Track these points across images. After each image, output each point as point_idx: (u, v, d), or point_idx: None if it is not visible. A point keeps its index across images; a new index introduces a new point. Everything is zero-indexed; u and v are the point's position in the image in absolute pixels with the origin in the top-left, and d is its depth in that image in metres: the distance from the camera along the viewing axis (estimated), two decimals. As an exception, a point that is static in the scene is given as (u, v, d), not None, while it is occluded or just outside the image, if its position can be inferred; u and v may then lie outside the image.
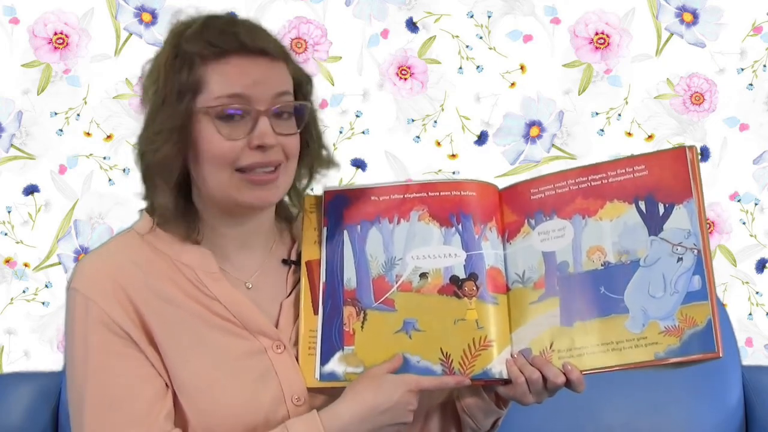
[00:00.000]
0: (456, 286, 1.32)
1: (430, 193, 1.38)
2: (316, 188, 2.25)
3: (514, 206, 1.37)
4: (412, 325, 1.32)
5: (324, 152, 1.40)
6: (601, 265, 1.30)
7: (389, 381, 1.29)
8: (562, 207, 1.34)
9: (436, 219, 1.36)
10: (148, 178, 1.32)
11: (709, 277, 1.25)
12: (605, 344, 1.27)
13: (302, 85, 1.35)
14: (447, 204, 1.36)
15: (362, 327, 1.34)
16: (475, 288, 1.31)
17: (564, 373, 1.27)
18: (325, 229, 1.38)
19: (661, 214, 1.29)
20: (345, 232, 1.38)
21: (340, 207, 1.39)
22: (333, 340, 1.34)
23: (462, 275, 1.33)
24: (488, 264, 1.33)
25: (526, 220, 1.35)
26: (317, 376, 1.33)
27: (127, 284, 1.28)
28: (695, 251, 1.27)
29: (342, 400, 1.28)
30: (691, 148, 1.30)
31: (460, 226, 1.35)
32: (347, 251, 1.37)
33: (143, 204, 1.37)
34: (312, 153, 1.38)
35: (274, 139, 1.27)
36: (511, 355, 1.30)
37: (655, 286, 1.27)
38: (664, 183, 1.30)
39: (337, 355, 1.34)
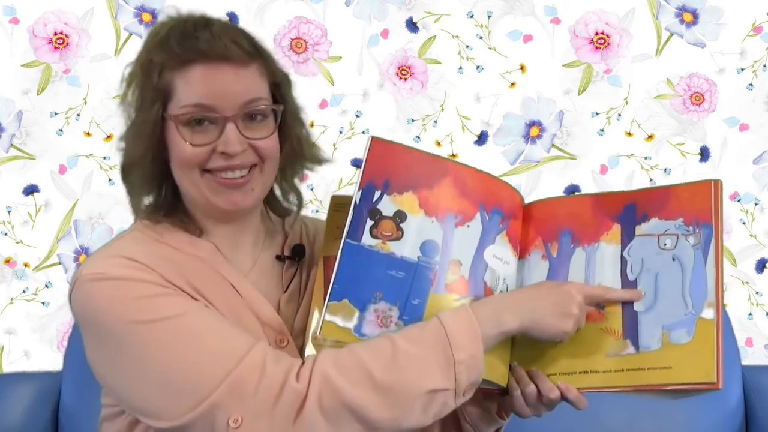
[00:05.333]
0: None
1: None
2: (316, 185, 2.25)
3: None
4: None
5: (309, 150, 1.40)
6: None
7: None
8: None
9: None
10: (126, 177, 1.35)
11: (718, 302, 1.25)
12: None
13: (280, 85, 1.34)
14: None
15: None
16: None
17: (561, 391, 1.26)
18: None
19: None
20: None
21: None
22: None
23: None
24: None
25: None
26: (318, 330, 1.26)
27: (149, 263, 1.27)
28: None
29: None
30: (717, 182, 1.30)
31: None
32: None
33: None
34: (291, 152, 1.37)
35: (239, 146, 1.28)
36: (511, 367, 1.29)
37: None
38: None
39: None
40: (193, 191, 1.31)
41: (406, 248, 1.27)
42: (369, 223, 1.28)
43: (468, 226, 1.30)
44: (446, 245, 1.29)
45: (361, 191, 1.29)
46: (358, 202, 1.28)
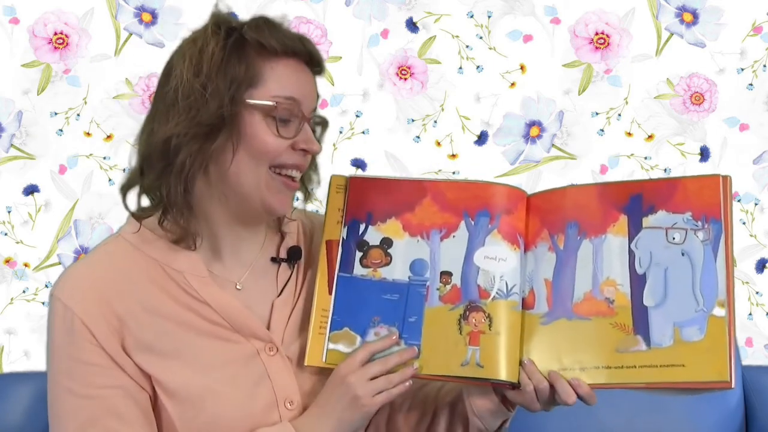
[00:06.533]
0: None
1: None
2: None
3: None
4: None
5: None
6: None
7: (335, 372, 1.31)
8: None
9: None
10: (169, 166, 1.25)
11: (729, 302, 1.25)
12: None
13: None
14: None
15: None
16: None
17: (572, 387, 1.25)
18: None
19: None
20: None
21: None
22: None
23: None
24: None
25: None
26: (323, 357, 1.31)
27: (111, 296, 1.27)
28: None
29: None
30: (725, 177, 1.30)
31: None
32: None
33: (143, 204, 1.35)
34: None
35: (318, 147, 1.30)
36: (522, 362, 1.29)
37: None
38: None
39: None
40: (252, 186, 1.28)
41: (397, 271, 1.33)
42: (358, 254, 1.34)
43: (454, 236, 1.34)
44: (434, 260, 1.34)
45: (346, 227, 1.36)
46: (345, 238, 1.35)
